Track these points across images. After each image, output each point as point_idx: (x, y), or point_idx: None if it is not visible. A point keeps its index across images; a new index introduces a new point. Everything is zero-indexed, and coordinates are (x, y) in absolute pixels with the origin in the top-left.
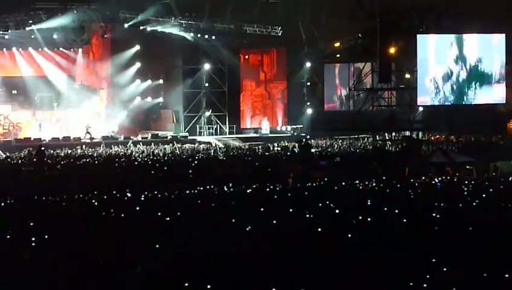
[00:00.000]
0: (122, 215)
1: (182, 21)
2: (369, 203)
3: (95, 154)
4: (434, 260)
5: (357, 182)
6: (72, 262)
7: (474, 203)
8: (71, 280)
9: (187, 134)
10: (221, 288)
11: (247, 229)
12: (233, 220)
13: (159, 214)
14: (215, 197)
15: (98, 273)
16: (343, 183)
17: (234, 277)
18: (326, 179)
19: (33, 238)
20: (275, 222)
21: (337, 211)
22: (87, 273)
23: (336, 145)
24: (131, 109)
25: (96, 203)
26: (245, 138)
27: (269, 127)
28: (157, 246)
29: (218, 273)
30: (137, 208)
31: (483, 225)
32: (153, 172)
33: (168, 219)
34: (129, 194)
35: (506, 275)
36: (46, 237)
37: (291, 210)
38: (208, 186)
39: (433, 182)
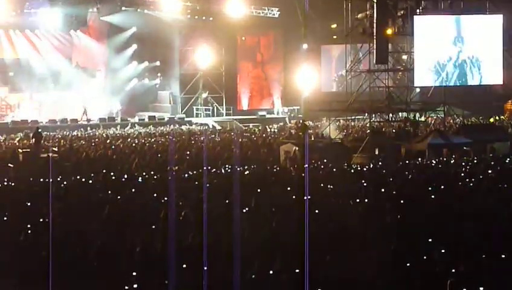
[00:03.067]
0: (119, 197)
1: (179, 2)
2: (365, 184)
3: (93, 136)
4: (430, 240)
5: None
6: (69, 244)
7: (471, 185)
8: (68, 262)
9: (184, 116)
10: (217, 270)
11: (244, 210)
12: (227, 202)
13: (155, 195)
14: (212, 179)
15: (96, 255)
16: (340, 165)
17: (230, 259)
18: (325, 160)
19: (31, 220)
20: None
21: (335, 192)
22: (85, 254)
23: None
24: (128, 91)
25: (92, 185)
26: (242, 119)
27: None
28: (153, 227)
29: (214, 255)
30: (133, 190)
31: (479, 206)
32: (149, 154)
33: (163, 200)
34: (126, 176)
35: (503, 256)
36: (43, 219)
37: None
38: (204, 168)
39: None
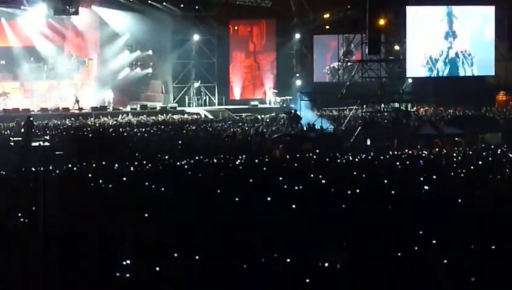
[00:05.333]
0: (110, 186)
1: None
2: (356, 174)
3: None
4: (421, 232)
5: (347, 154)
6: (62, 234)
7: (461, 175)
8: (60, 252)
9: (176, 105)
10: (210, 259)
11: (236, 200)
12: (219, 191)
13: (147, 184)
14: (203, 169)
15: (88, 243)
16: (332, 155)
17: (222, 248)
18: (317, 150)
19: (24, 210)
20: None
21: (325, 182)
22: (77, 245)
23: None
24: (120, 80)
25: (85, 174)
26: (234, 109)
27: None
28: (146, 215)
29: (206, 244)
30: (124, 179)
31: (471, 197)
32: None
33: (156, 190)
34: (117, 165)
35: (493, 247)
36: (36, 208)
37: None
38: (196, 158)
39: (419, 154)
